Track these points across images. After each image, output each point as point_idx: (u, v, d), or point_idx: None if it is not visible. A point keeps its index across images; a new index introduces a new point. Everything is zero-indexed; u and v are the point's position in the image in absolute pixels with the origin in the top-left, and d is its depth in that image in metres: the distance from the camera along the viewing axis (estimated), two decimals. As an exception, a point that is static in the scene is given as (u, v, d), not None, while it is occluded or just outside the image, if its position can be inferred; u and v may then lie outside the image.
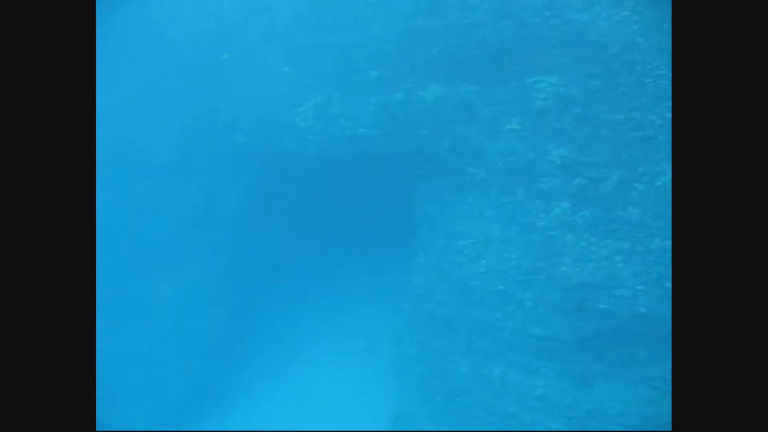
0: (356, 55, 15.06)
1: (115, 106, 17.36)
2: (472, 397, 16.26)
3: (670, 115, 11.52)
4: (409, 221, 16.79)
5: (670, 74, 11.39)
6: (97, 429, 6.46)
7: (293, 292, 22.24)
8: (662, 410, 13.51)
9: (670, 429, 6.10)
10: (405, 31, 14.34)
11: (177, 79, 17.83)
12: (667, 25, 11.34)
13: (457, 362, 16.44)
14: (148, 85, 17.91)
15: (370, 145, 15.77)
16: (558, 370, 14.72)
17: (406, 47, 14.40)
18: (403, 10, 14.21)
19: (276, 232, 21.21)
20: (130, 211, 17.92)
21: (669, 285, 12.02)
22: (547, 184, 13.37)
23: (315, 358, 20.48)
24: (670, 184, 11.46)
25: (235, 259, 19.35)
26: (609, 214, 12.68)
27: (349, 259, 22.50)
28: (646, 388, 13.70)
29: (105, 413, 15.94)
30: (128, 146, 17.89)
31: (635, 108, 11.92)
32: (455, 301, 15.76)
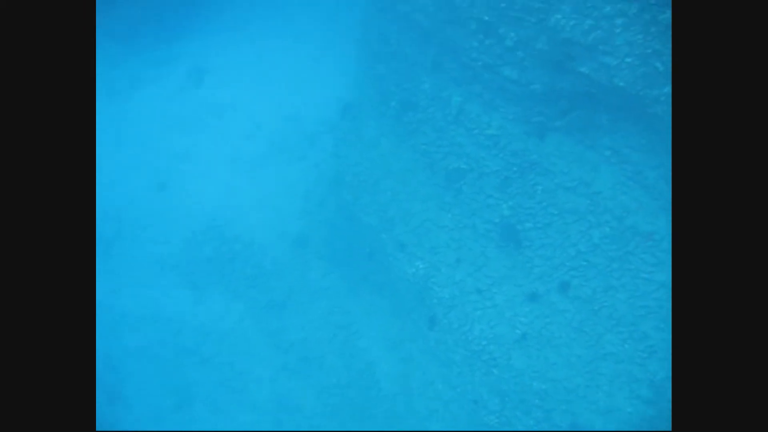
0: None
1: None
2: (425, 115, 16.00)
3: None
4: None
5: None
6: (97, 429, 6.48)
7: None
8: (599, 179, 13.55)
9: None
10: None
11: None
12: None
13: (419, 77, 16.14)
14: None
15: None
16: (517, 114, 14.48)
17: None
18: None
19: None
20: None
21: (659, 65, 11.33)
22: None
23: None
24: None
25: None
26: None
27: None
28: (594, 153, 13.68)
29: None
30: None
31: None
32: (434, 12, 15.22)
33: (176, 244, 19.55)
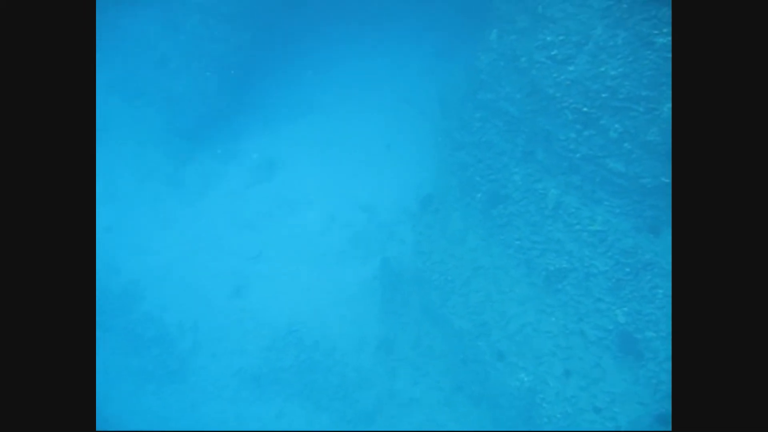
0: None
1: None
2: (517, 209, 14.78)
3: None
4: None
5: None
6: (97, 429, 6.41)
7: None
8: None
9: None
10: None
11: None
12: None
13: (508, 167, 14.85)
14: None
15: None
16: (625, 208, 13.01)
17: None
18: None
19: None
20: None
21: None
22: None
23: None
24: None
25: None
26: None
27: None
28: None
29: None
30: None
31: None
32: (522, 100, 14.04)
33: (254, 354, 18.46)
